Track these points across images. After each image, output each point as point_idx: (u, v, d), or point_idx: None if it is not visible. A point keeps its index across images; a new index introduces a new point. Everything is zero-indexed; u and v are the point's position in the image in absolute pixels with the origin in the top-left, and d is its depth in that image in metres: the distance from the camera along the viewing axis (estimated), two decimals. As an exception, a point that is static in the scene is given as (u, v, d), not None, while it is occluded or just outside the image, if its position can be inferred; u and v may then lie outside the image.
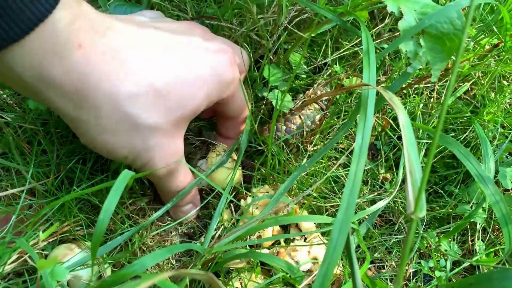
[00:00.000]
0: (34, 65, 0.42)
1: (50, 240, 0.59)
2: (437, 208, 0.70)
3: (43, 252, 0.58)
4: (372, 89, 0.45)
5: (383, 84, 0.76)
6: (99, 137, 0.49)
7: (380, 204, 0.57)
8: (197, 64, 0.52)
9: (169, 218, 0.63)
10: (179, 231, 0.63)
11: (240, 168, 0.67)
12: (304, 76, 0.79)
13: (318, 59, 0.76)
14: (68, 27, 0.42)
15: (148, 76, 0.48)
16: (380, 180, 0.71)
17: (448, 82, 0.74)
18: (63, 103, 0.46)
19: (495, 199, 0.46)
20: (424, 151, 0.69)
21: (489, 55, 0.74)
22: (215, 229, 0.59)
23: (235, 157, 0.66)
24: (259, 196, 0.60)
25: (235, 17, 0.72)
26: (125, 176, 0.41)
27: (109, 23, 0.47)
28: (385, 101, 0.60)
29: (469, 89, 0.79)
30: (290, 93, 0.76)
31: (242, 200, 0.63)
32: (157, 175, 0.56)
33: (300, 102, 0.73)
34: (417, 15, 0.53)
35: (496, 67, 0.69)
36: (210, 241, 0.58)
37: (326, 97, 0.76)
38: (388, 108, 0.76)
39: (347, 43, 0.77)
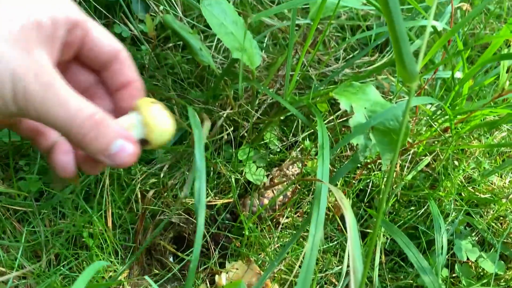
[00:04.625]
0: None
1: (35, 318, 0.63)
2: (402, 278, 0.75)
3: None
4: (324, 185, 0.51)
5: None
6: None
7: None
8: None
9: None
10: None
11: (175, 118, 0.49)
12: (278, 150, 0.86)
13: (290, 137, 0.83)
14: None
15: None
16: (347, 252, 0.76)
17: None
18: None
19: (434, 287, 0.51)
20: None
21: (448, 132, 0.81)
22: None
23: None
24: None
25: (217, 100, 0.80)
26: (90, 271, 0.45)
27: None
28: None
29: (432, 161, 0.86)
30: (265, 167, 0.82)
31: (216, 276, 0.68)
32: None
33: (272, 179, 0.79)
34: (367, 112, 0.60)
35: (447, 147, 0.75)
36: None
37: (297, 172, 0.82)
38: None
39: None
